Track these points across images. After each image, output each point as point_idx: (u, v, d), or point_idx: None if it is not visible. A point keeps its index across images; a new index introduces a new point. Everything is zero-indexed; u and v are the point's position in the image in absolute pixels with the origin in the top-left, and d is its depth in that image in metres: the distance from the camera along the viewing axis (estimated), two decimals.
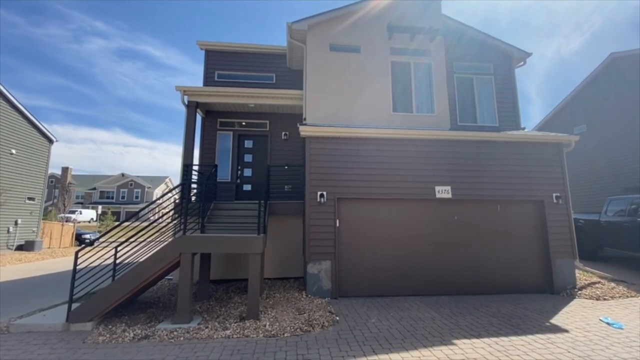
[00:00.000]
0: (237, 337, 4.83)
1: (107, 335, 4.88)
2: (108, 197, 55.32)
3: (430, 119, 8.83)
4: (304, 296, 6.85)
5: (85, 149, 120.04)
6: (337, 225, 7.23)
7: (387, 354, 4.26)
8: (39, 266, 12.16)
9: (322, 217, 7.20)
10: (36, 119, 16.85)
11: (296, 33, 8.89)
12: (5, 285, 8.71)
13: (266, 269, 8.38)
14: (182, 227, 5.84)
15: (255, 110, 10.02)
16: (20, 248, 15.65)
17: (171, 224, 6.88)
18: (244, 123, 10.23)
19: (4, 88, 14.83)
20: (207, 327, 5.15)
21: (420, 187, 7.60)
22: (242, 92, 9.13)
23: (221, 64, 10.71)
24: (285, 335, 4.92)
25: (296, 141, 10.09)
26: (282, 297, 6.85)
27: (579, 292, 7.29)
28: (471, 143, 7.99)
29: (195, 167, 8.39)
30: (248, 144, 10.30)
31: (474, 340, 4.72)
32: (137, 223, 6.28)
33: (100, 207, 39.63)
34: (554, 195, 7.87)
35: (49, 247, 17.42)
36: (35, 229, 16.89)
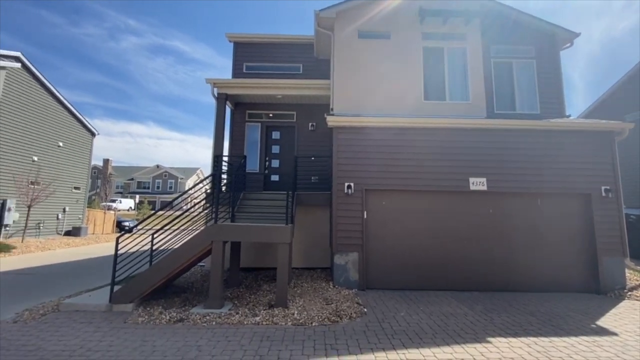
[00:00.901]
0: (266, 324, 4.92)
1: (146, 317, 5.15)
2: (144, 187, 58.44)
3: (465, 107, 8.40)
4: (331, 287, 6.86)
5: (123, 142, 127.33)
6: (365, 217, 7.12)
7: (417, 348, 4.16)
8: (85, 250, 13.13)
9: (350, 209, 7.12)
10: (80, 114, 17.98)
11: (324, 21, 8.73)
12: (57, 267, 9.47)
13: (294, 258, 8.48)
14: (213, 216, 6.00)
15: (282, 102, 10.04)
16: (68, 233, 16.97)
17: (202, 213, 7.10)
18: (271, 114, 10.29)
19: (51, 85, 15.91)
20: (237, 313, 5.29)
21: (453, 179, 7.29)
22: (269, 83, 9.16)
23: (249, 55, 10.79)
24: (314, 324, 4.94)
25: (323, 132, 9.99)
26: (309, 286, 6.90)
27: (629, 293, 6.73)
28: (509, 132, 7.52)
29: (225, 158, 8.58)
30: (275, 135, 10.37)
31: (511, 339, 4.50)
32: (170, 212, 6.60)
33: (137, 196, 41.89)
34: (603, 188, 7.26)
35: (93, 233, 18.75)
36: (81, 216, 18.21)
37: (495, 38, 9.14)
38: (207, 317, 5.14)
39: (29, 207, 13.93)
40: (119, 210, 35.12)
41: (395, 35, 8.67)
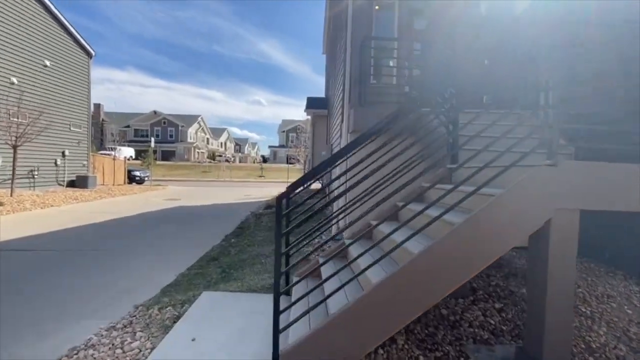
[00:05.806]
0: None
1: None
2: (142, 136, 53.69)
3: None
4: None
5: (105, 90, 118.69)
6: None
7: None
8: (100, 207, 9.42)
9: None
10: (72, 26, 13.10)
11: None
12: (71, 236, 5.78)
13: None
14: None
15: None
16: (72, 184, 13.11)
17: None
18: None
19: None
20: None
21: None
22: None
23: None
24: None
25: (508, 16, 5.90)
26: None
27: None
28: None
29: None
30: (419, 24, 6.21)
31: None
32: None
33: (153, 141, 36.29)
34: None
35: (103, 184, 14.93)
36: (85, 162, 14.19)
37: None
38: None
39: (15, 147, 9.90)
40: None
41: None
